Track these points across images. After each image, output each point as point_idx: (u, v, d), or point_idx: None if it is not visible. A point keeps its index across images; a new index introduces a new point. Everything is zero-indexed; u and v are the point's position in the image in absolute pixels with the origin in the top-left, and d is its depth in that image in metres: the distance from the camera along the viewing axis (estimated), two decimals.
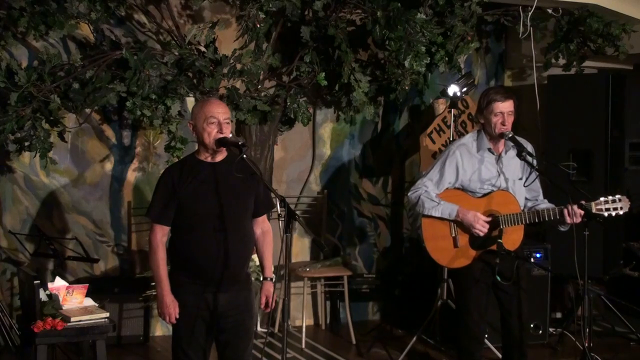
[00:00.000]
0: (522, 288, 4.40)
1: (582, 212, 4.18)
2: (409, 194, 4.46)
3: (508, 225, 4.30)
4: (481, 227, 4.27)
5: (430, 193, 4.36)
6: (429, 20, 5.46)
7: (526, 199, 4.46)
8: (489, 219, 4.29)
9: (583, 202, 4.21)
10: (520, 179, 4.39)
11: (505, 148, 4.36)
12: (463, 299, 4.48)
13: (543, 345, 5.78)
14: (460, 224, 4.35)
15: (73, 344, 4.72)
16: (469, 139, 4.42)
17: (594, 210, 4.22)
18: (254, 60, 5.47)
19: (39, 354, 4.07)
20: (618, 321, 5.92)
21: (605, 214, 4.24)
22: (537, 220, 4.30)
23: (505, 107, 4.23)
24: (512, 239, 4.33)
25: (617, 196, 4.25)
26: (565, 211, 4.18)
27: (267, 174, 5.91)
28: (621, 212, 4.25)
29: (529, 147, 4.32)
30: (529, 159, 4.28)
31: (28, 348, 4.25)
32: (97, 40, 5.43)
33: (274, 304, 3.81)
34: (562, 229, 4.35)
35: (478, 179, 4.34)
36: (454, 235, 4.38)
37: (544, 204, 4.41)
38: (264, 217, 3.90)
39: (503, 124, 4.23)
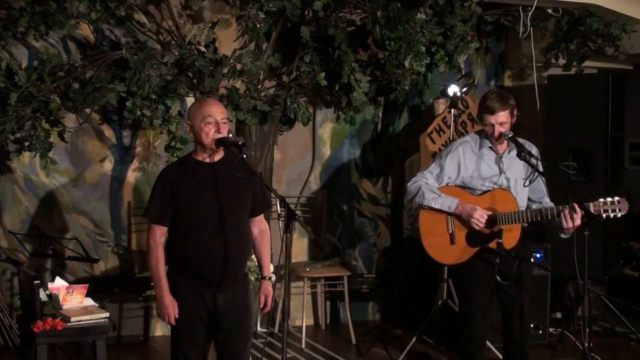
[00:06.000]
0: (525, 288, 4.39)
1: (582, 213, 4.18)
2: (408, 184, 4.45)
3: (505, 224, 4.29)
4: (479, 216, 4.24)
5: (431, 185, 4.36)
6: (429, 20, 5.46)
7: (530, 200, 4.44)
8: (489, 211, 4.28)
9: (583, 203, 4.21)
10: (524, 179, 4.39)
11: (509, 148, 4.36)
12: (465, 299, 4.48)
13: (543, 345, 5.78)
14: (459, 219, 4.35)
15: (73, 344, 4.72)
16: (472, 136, 4.44)
17: (592, 211, 4.21)
18: (254, 60, 5.47)
19: (39, 354, 4.07)
20: (618, 321, 5.92)
21: (604, 215, 4.23)
22: (534, 219, 4.28)
23: (496, 119, 4.23)
24: (509, 237, 4.31)
25: (616, 198, 4.23)
26: (563, 214, 4.17)
27: (267, 174, 5.90)
28: (619, 215, 4.24)
29: (534, 150, 4.30)
30: (533, 161, 4.26)
31: (28, 348, 4.25)
32: (97, 40, 5.44)
33: (272, 304, 3.81)
34: (563, 236, 4.33)
35: (478, 176, 4.35)
36: (451, 231, 4.38)
37: (549, 206, 4.40)
38: (262, 216, 3.90)
39: (492, 134, 4.25)
